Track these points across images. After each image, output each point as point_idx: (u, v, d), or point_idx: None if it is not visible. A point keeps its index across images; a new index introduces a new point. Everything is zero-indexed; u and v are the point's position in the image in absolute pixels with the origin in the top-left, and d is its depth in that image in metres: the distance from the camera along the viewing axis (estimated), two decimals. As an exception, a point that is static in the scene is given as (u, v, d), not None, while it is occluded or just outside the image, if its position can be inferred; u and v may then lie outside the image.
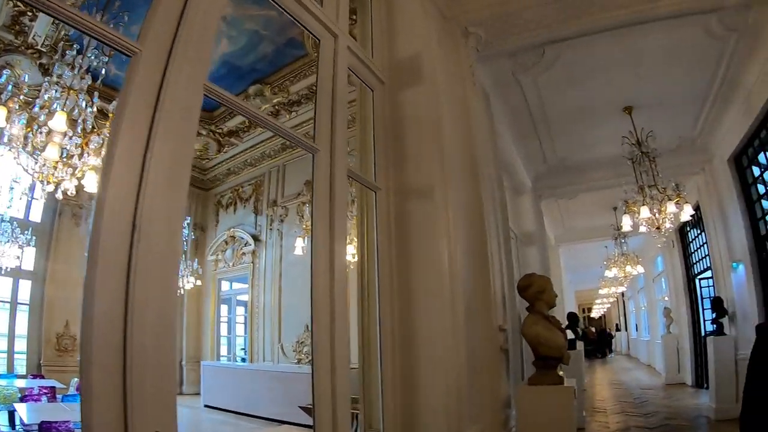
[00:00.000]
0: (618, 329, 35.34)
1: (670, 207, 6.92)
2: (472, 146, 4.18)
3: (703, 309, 12.53)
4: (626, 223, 7.52)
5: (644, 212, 7.07)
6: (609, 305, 35.41)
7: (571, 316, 10.74)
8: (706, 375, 11.02)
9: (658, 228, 7.09)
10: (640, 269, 13.83)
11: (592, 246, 16.06)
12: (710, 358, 9.27)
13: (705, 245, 11.28)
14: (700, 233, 11.83)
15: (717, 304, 9.46)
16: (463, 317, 3.08)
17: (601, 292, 22.29)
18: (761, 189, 7.92)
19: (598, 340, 30.07)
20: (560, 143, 8.53)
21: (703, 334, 12.37)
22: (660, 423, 8.76)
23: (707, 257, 11.14)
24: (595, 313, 37.20)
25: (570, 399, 3.77)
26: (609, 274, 13.82)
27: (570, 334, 10.04)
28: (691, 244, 13.02)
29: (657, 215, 7.04)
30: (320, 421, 2.27)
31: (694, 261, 12.84)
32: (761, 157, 7.66)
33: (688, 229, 13.06)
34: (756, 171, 7.99)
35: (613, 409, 10.60)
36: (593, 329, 31.77)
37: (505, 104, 6.93)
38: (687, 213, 7.16)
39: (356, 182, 3.11)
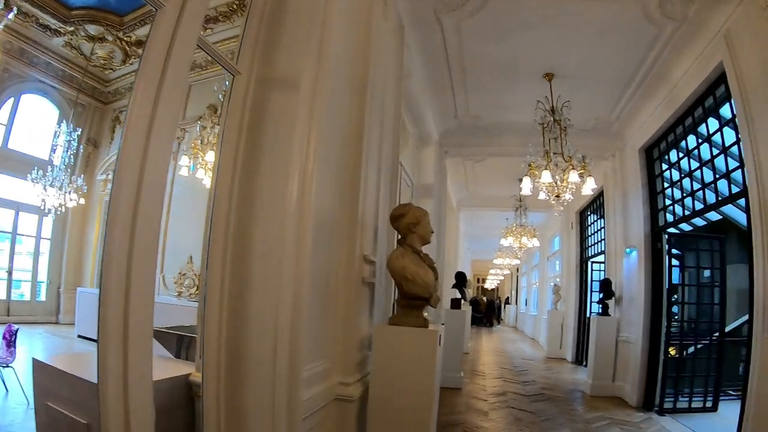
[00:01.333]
0: (508, 302, 36.60)
1: (573, 176, 6.67)
2: (366, 63, 3.69)
3: (591, 291, 13.00)
4: (526, 185, 7.20)
5: (545, 176, 6.78)
6: (502, 278, 36.33)
7: (459, 276, 10.52)
8: (586, 353, 11.40)
9: (557, 196, 6.88)
10: (535, 242, 13.79)
11: (493, 215, 16.02)
12: (592, 337, 9.49)
13: (602, 230, 11.55)
14: (599, 219, 12.12)
15: (606, 285, 9.63)
16: (311, 235, 2.59)
17: (495, 261, 22.47)
18: (666, 183, 8.06)
19: (488, 310, 31.00)
20: (475, 100, 8.11)
21: (588, 314, 12.81)
22: (536, 392, 8.94)
23: (602, 242, 11.44)
24: (489, 285, 38.18)
25: (433, 345, 3.36)
26: (505, 242, 13.70)
27: (456, 294, 9.97)
28: (589, 228, 13.36)
29: (559, 183, 6.85)
30: (105, 355, 1.80)
31: (590, 244, 13.22)
32: (672, 153, 7.76)
33: (588, 213, 13.42)
34: (664, 165, 8.12)
35: (492, 374, 10.80)
36: (485, 299, 32.68)
37: (423, 44, 6.36)
38: (589, 186, 6.96)
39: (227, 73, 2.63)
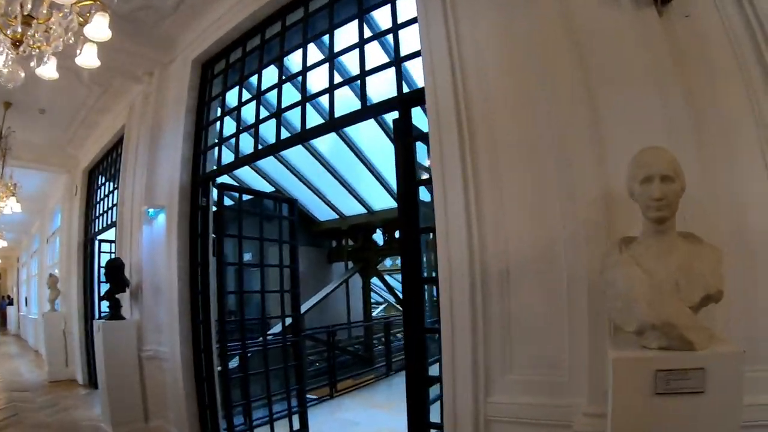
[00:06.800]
0: (11, 302, 28.30)
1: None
2: None
3: (100, 282, 8.80)
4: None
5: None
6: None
7: None
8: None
9: (17, 43, 2.77)
10: (15, 206, 8.37)
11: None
12: (99, 353, 5.86)
13: (116, 191, 7.56)
14: (114, 176, 8.06)
15: (113, 271, 5.93)
16: None
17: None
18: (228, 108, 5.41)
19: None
20: None
21: (97, 315, 8.61)
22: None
23: (115, 207, 7.44)
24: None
25: None
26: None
27: None
28: (99, 191, 9.07)
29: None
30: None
31: (98, 214, 8.95)
32: (251, 63, 5.11)
33: (100, 172, 9.16)
34: (231, 82, 5.38)
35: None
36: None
37: None
38: (100, 26, 2.97)
39: None
